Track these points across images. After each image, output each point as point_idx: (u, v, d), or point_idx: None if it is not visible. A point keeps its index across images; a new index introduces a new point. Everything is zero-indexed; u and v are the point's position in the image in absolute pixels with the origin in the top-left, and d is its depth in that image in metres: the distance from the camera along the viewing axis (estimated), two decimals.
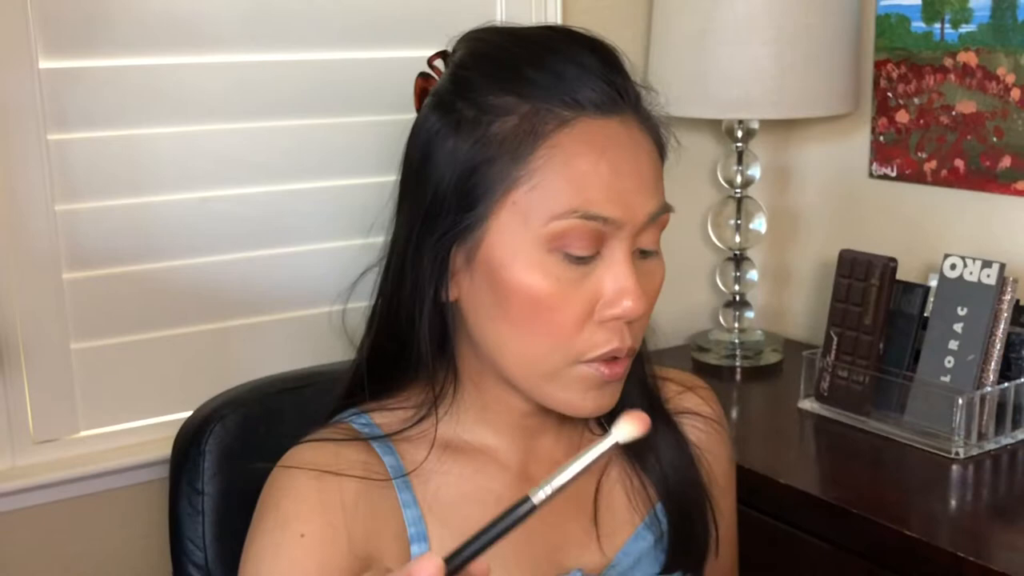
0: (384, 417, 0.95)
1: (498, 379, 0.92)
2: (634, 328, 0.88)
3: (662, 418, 1.00)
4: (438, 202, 0.88)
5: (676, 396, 1.05)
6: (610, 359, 0.87)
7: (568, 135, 0.85)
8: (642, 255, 0.89)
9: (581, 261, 0.85)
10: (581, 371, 0.87)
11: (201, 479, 1.11)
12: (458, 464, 0.93)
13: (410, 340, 0.92)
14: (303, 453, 0.91)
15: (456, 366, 0.94)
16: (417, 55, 1.54)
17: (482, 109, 0.86)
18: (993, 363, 1.38)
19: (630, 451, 0.98)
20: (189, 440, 1.13)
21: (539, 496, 0.62)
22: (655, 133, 0.92)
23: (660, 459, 0.99)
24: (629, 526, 0.97)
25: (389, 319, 0.94)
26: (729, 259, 1.81)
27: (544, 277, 0.85)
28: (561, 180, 0.84)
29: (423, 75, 0.97)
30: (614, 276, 0.85)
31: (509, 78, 0.87)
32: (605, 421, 0.99)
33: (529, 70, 0.87)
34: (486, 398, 0.94)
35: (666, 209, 0.89)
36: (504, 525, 0.63)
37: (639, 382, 0.98)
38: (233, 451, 1.12)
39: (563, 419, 0.97)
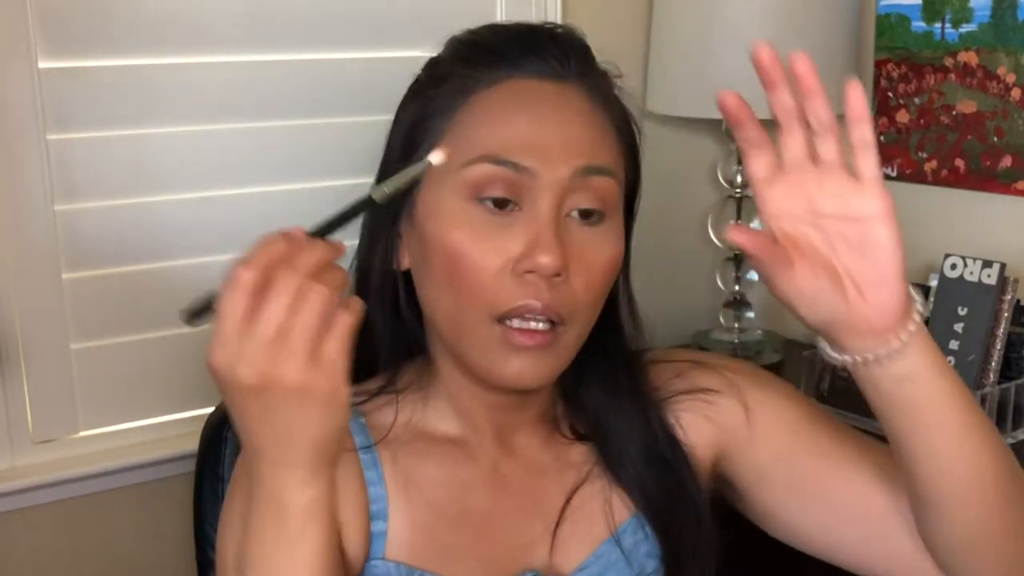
0: (357, 396, 0.94)
1: (452, 360, 0.91)
2: (562, 293, 0.84)
3: (662, 441, 0.96)
4: (387, 161, 0.94)
5: (672, 380, 0.99)
6: (528, 328, 0.84)
7: (495, 91, 0.88)
8: (584, 221, 0.86)
9: (500, 210, 0.85)
10: (497, 331, 0.85)
11: (223, 466, 1.13)
12: (429, 451, 0.93)
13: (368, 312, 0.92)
14: None
15: (421, 344, 0.94)
16: (418, 55, 1.53)
17: (433, 76, 0.93)
18: (993, 363, 1.38)
19: (609, 460, 0.96)
20: (213, 428, 1.16)
21: (379, 193, 0.73)
22: (606, 105, 0.91)
23: (639, 470, 0.95)
24: (603, 532, 0.95)
25: (352, 292, 0.94)
26: (729, 259, 1.81)
27: (460, 226, 0.85)
28: (478, 130, 0.87)
29: None
30: (530, 228, 0.84)
31: (463, 50, 0.93)
32: (569, 427, 0.98)
33: (481, 43, 0.92)
34: (451, 386, 0.93)
35: (600, 171, 0.87)
36: (347, 211, 0.73)
37: (629, 392, 0.96)
38: None
39: (537, 417, 0.96)
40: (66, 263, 1.35)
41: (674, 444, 0.97)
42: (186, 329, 1.43)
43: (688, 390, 0.98)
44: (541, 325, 0.85)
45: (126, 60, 1.37)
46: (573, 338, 0.88)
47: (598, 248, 0.87)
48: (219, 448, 1.15)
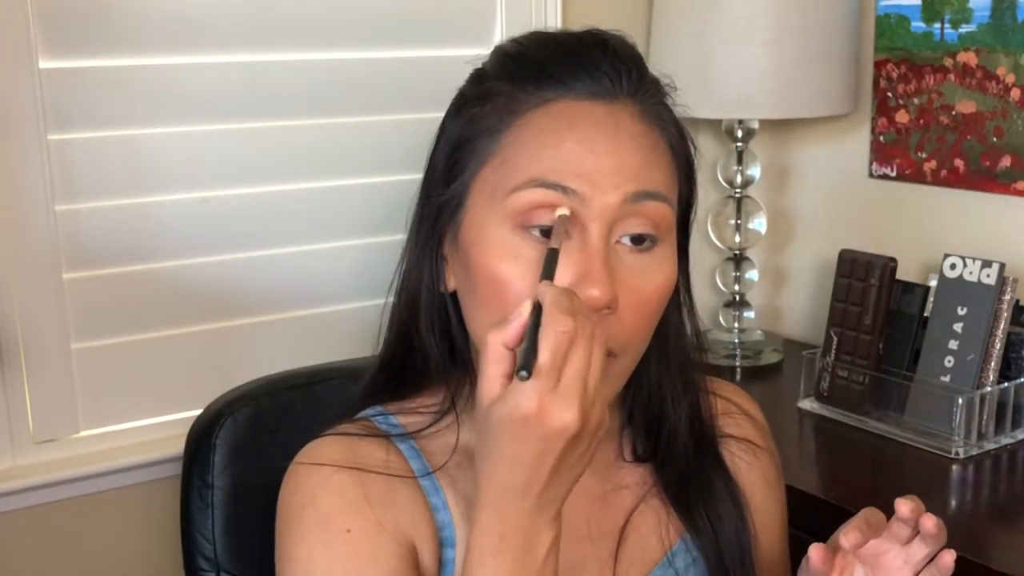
0: (407, 417, 0.92)
1: None
2: (611, 326, 0.82)
3: (713, 466, 0.97)
4: (431, 181, 0.90)
5: (722, 417, 1.00)
6: None
7: (544, 113, 0.85)
8: (635, 247, 0.84)
9: (547, 239, 0.81)
10: None
11: (211, 472, 1.11)
12: None
13: (419, 335, 0.91)
14: (328, 448, 0.88)
15: (471, 365, 0.90)
16: (417, 55, 1.55)
17: (480, 93, 0.88)
18: (993, 363, 1.38)
19: (676, 501, 0.95)
20: (200, 434, 1.14)
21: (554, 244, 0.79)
22: (660, 125, 0.89)
23: (710, 519, 0.95)
24: (657, 554, 0.94)
25: (399, 315, 0.93)
26: (729, 259, 1.81)
27: (505, 255, 0.82)
28: (526, 153, 0.83)
29: None
30: (579, 258, 0.81)
31: (511, 66, 0.88)
32: (635, 447, 0.97)
33: (530, 58, 0.88)
34: None
35: (652, 196, 0.84)
36: (548, 265, 0.78)
37: (688, 414, 0.95)
38: (243, 445, 1.12)
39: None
40: (66, 263, 1.35)
41: (726, 472, 0.98)
42: (186, 329, 1.45)
43: (740, 437, 1.01)
44: None
45: (126, 60, 1.37)
46: (624, 368, 0.87)
47: (649, 276, 0.85)
48: (207, 454, 1.12)
